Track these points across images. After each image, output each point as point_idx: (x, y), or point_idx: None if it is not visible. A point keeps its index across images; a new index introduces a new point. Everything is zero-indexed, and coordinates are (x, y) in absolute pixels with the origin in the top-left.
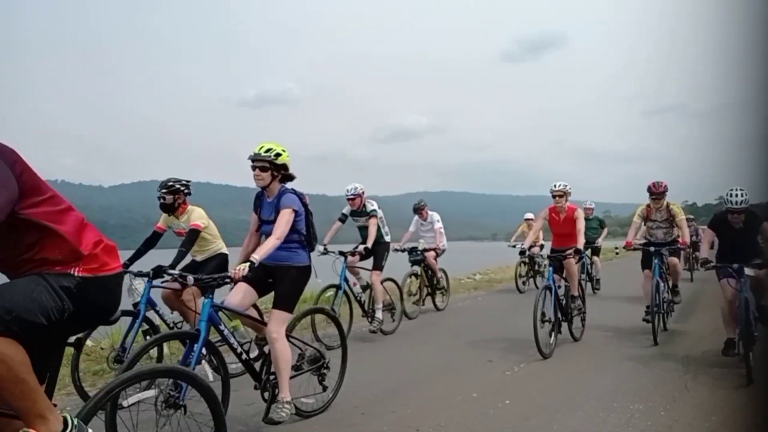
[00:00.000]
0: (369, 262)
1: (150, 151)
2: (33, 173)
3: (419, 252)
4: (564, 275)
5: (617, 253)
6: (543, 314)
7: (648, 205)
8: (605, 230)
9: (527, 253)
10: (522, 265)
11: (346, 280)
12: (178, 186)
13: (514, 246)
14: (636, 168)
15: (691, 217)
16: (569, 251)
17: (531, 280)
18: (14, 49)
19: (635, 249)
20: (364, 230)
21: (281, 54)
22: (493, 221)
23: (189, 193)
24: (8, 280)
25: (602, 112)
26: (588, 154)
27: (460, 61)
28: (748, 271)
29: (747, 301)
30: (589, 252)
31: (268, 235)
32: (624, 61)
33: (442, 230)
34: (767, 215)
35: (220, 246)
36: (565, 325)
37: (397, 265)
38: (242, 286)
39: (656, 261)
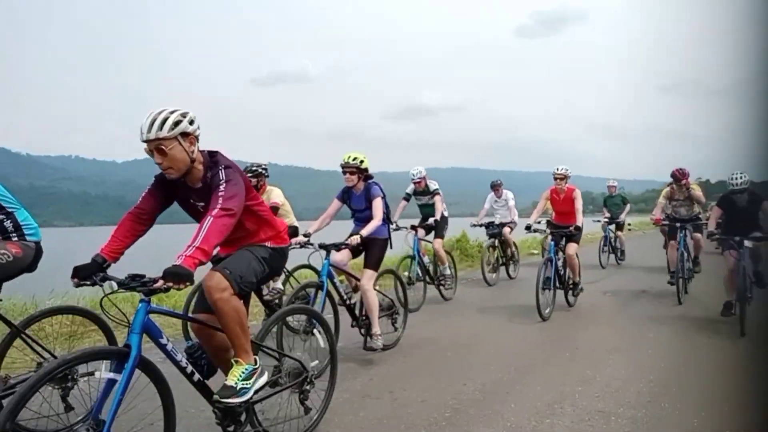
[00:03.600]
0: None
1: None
2: (247, 179)
3: (496, 226)
4: (564, 248)
5: (630, 229)
6: (544, 282)
7: (672, 187)
8: (628, 206)
9: (532, 228)
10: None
11: (418, 251)
12: (260, 170)
13: (539, 222)
14: (651, 144)
15: (712, 203)
16: (570, 228)
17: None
18: (22, 32)
19: (663, 224)
20: (426, 207)
21: (295, 34)
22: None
23: (267, 176)
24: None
25: (619, 87)
26: (604, 130)
27: (475, 37)
28: (747, 243)
29: (745, 269)
30: (613, 227)
31: (361, 219)
32: (641, 36)
33: (515, 207)
34: None
35: (292, 219)
36: (560, 292)
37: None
38: (345, 252)
39: (681, 234)
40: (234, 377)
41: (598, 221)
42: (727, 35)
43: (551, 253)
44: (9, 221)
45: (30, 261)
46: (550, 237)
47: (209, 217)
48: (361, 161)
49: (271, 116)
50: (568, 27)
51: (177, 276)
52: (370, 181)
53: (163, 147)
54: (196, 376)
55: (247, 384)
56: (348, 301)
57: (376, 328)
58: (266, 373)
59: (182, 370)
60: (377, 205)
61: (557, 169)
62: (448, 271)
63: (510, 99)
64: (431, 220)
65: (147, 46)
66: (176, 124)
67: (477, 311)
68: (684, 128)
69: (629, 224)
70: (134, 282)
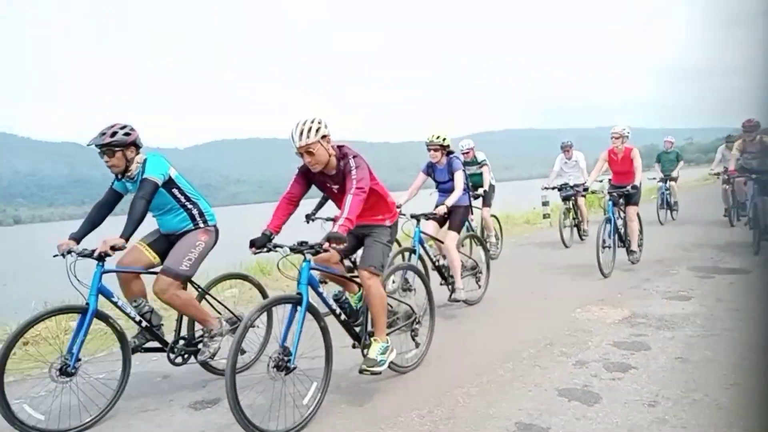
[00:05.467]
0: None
1: (214, 109)
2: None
3: (570, 188)
4: (623, 207)
5: (716, 175)
6: (603, 241)
7: (743, 139)
8: (681, 162)
9: (590, 189)
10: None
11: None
12: None
13: (601, 181)
14: (718, 83)
15: None
16: (627, 188)
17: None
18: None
19: (738, 177)
20: (474, 177)
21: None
22: None
23: None
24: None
25: (679, 22)
26: (663, 71)
27: None
28: None
29: None
30: (667, 182)
31: (444, 190)
32: None
33: (586, 169)
34: None
35: None
36: (621, 250)
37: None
38: (432, 221)
39: (756, 186)
40: (374, 351)
41: (654, 179)
42: None
43: (609, 212)
44: (196, 210)
45: (214, 242)
46: (608, 197)
47: (349, 195)
48: (444, 139)
49: (315, 87)
50: None
51: (337, 239)
52: (451, 155)
53: (311, 150)
54: (342, 316)
55: (383, 357)
56: (437, 263)
57: (459, 283)
58: (395, 351)
59: (332, 311)
60: (459, 177)
61: (614, 129)
62: (494, 239)
63: (560, 51)
64: (480, 191)
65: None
66: (318, 131)
67: (545, 269)
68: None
69: (711, 172)
70: (302, 246)
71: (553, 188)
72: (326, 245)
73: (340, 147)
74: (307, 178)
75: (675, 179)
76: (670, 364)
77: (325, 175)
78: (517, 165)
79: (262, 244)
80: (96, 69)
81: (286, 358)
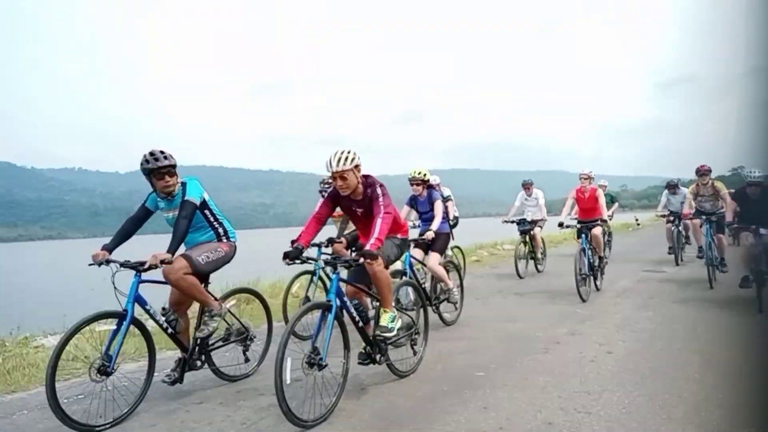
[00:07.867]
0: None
1: (159, 136)
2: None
3: (528, 223)
4: (591, 240)
5: (638, 224)
6: (580, 270)
7: (696, 184)
8: (616, 204)
9: (564, 224)
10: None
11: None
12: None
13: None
14: (651, 140)
15: (732, 191)
16: (597, 221)
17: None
18: (26, 46)
19: (692, 218)
20: None
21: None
22: (507, 197)
23: None
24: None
25: (616, 85)
26: (603, 127)
27: (470, 30)
28: (763, 231)
29: (762, 253)
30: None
31: (426, 219)
32: (638, 31)
33: (545, 206)
34: None
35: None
36: (590, 278)
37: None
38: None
39: (707, 226)
40: (385, 320)
41: None
42: (728, 30)
43: (584, 244)
44: (221, 228)
45: (232, 256)
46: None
47: (378, 219)
48: (425, 174)
49: (265, 125)
50: (563, 24)
51: (371, 255)
52: (431, 188)
53: (345, 176)
54: (360, 323)
55: (393, 324)
56: (422, 285)
57: (450, 283)
58: (401, 320)
59: (352, 318)
60: (438, 206)
61: (583, 171)
62: (455, 260)
63: (505, 98)
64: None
65: (144, 57)
66: (352, 160)
67: (517, 295)
68: (686, 123)
69: (636, 220)
70: (337, 260)
71: (512, 222)
72: (361, 260)
73: (366, 176)
74: (334, 201)
75: (607, 219)
76: None
77: (351, 200)
78: (462, 204)
79: (295, 255)
80: (33, 89)
81: (317, 357)
